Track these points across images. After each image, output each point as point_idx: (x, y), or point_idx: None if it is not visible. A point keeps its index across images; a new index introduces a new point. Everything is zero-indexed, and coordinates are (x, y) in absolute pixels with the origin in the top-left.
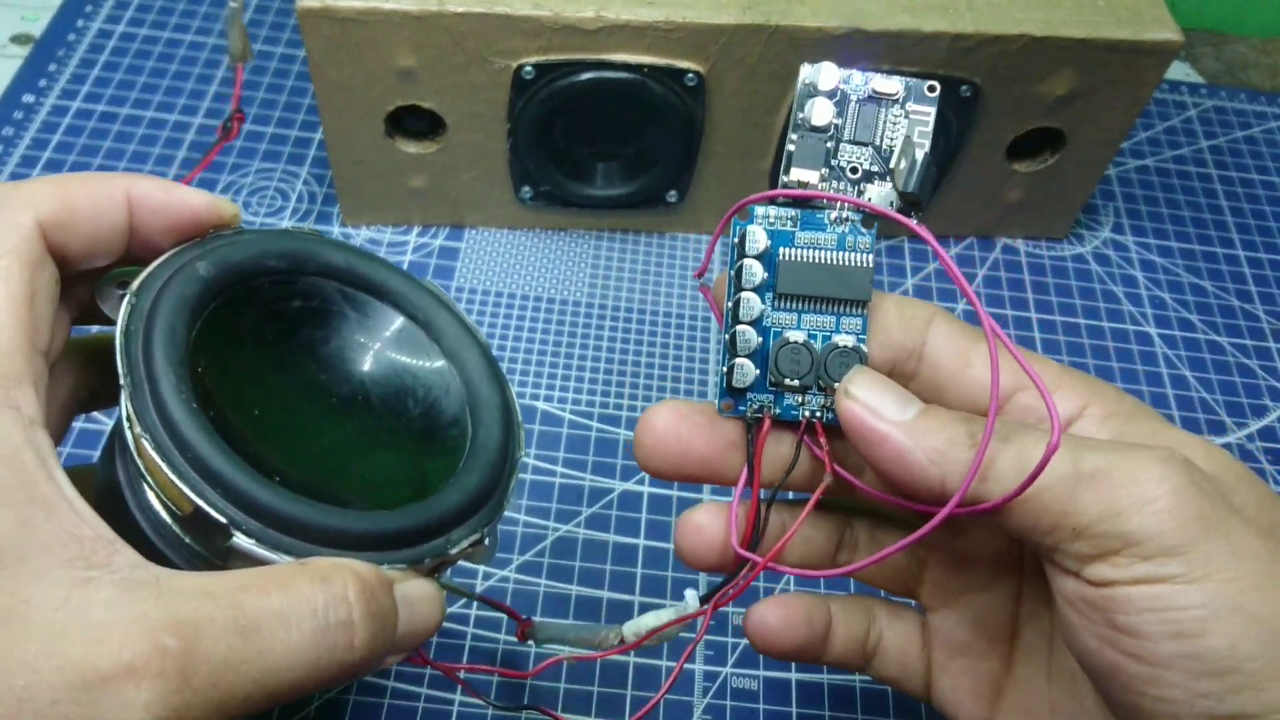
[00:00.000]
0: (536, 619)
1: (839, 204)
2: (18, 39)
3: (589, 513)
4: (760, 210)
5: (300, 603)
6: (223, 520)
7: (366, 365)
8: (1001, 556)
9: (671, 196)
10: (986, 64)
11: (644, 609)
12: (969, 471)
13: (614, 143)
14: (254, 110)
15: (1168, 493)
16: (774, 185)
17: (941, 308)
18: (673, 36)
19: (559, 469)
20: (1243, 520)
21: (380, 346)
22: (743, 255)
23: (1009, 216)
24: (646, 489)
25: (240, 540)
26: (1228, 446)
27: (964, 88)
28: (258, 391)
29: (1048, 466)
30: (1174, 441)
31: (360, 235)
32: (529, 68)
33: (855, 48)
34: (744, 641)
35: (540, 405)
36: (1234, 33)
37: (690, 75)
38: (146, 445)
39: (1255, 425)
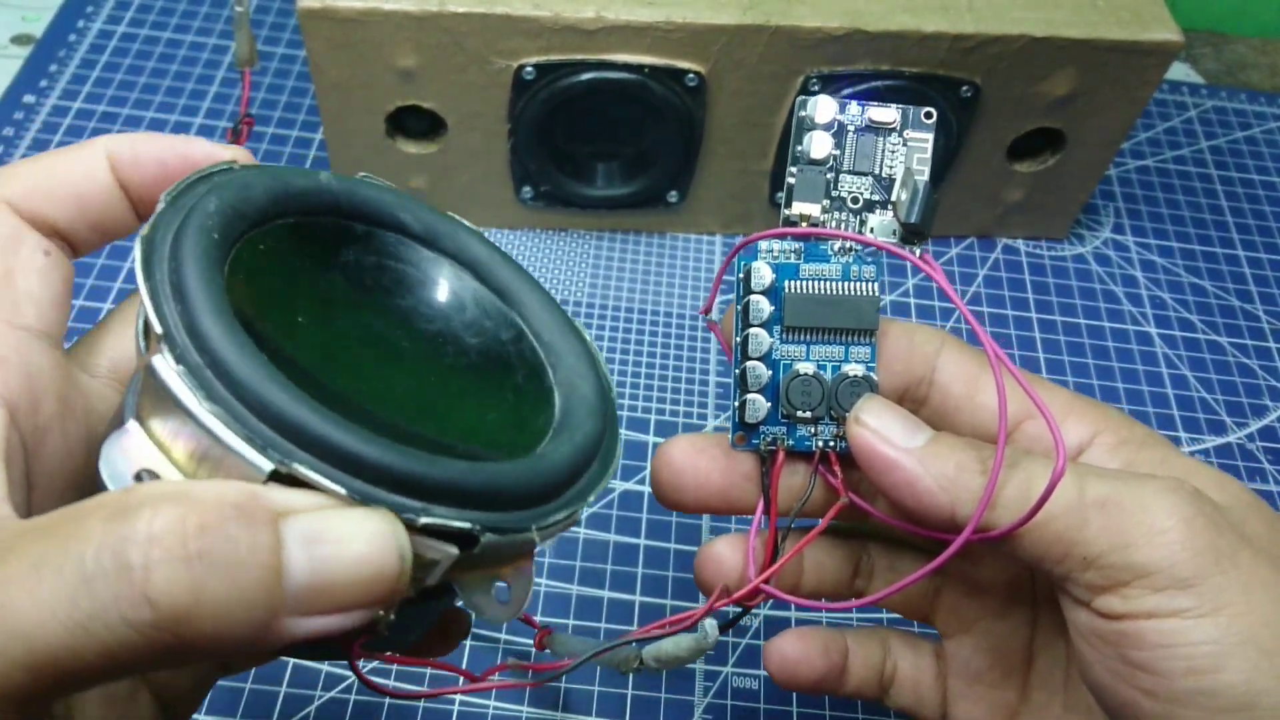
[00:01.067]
0: (555, 631)
1: (843, 238)
2: (18, 39)
3: (589, 512)
4: (764, 245)
5: (68, 544)
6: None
7: (442, 296)
8: (1016, 584)
9: (672, 197)
10: (987, 64)
11: (644, 609)
12: (980, 498)
13: (614, 143)
14: (254, 110)
15: (1178, 523)
16: (775, 188)
17: (950, 334)
18: (673, 37)
19: None
20: (1255, 551)
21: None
22: (749, 291)
23: (1009, 216)
24: (647, 489)
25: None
26: (1228, 447)
27: (964, 88)
28: (314, 324)
29: (1056, 494)
30: (1185, 470)
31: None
32: (529, 68)
33: (855, 48)
34: (744, 641)
35: None
36: (1234, 33)
37: (691, 75)
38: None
39: (1255, 425)
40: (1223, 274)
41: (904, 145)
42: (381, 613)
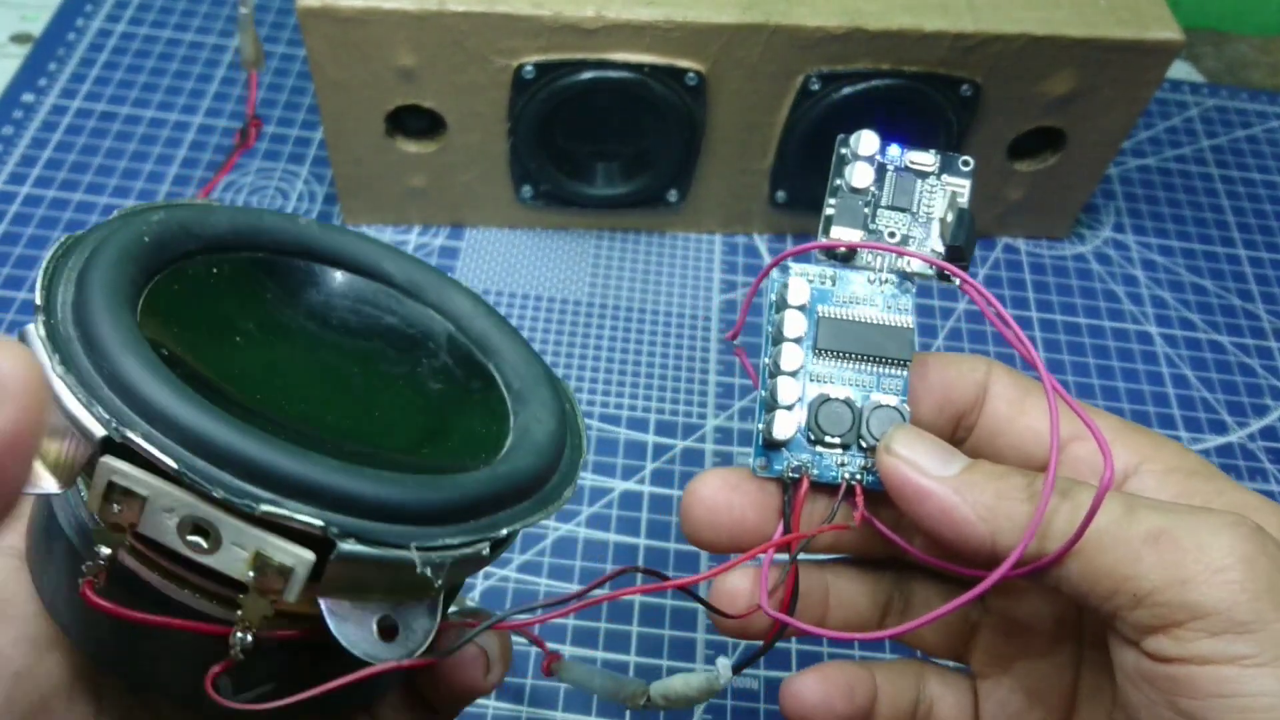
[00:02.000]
0: (565, 656)
1: (878, 265)
2: (17, 38)
3: (589, 512)
4: (798, 267)
5: None
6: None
7: (412, 343)
8: (1060, 621)
9: (672, 196)
10: (987, 63)
11: (643, 609)
12: (1027, 525)
13: (614, 142)
14: (256, 110)
15: (1238, 562)
16: (775, 187)
17: (996, 360)
18: (673, 36)
19: None
20: None
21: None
22: (784, 306)
23: (1010, 216)
24: (647, 488)
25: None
26: (1229, 446)
27: (964, 87)
28: (251, 348)
29: (1105, 523)
30: (1242, 503)
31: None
32: (529, 67)
33: (856, 47)
34: (745, 643)
35: None
36: (1235, 32)
37: (691, 74)
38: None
39: (1256, 424)
40: (1224, 273)
41: (941, 189)
42: (240, 635)
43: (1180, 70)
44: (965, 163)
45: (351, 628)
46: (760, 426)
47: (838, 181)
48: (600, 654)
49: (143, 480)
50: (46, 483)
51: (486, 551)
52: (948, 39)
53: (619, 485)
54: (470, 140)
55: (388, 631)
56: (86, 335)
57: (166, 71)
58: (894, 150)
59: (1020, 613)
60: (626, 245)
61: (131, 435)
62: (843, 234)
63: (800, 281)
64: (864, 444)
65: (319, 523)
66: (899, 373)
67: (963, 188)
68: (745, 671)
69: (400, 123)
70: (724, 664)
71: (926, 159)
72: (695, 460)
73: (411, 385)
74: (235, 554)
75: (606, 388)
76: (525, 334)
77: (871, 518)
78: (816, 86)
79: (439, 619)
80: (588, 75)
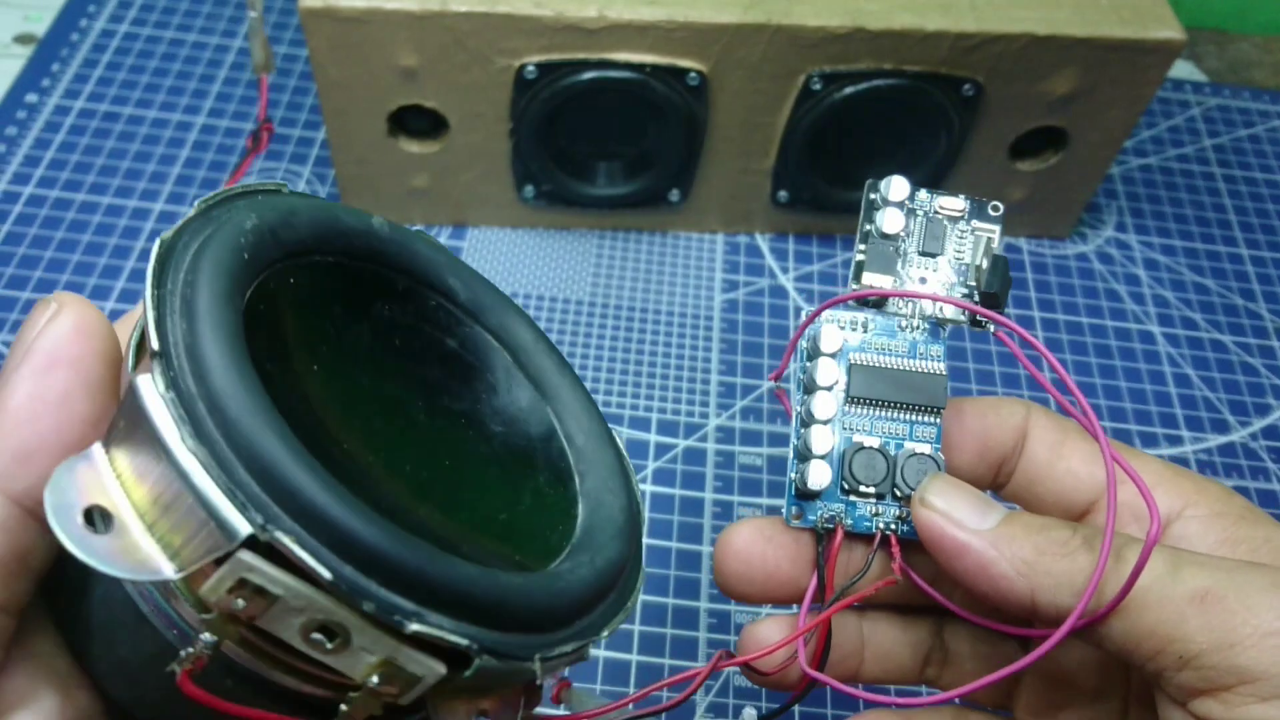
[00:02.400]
0: (575, 684)
1: (909, 311)
2: (21, 39)
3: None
4: (829, 313)
5: None
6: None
7: (473, 374)
8: (1106, 672)
9: (674, 196)
10: (989, 63)
11: (646, 608)
12: (1067, 582)
13: (616, 142)
14: (254, 110)
15: None
16: (776, 187)
17: (1035, 403)
18: (675, 36)
19: None
20: None
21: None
22: (817, 354)
23: (1012, 215)
24: (649, 488)
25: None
26: (1231, 445)
27: (966, 86)
28: (329, 376)
29: (1151, 582)
30: None
31: None
32: (531, 67)
33: (857, 47)
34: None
35: None
36: (1237, 31)
37: (692, 74)
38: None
39: (1259, 424)
40: (1226, 272)
41: (971, 234)
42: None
43: (1182, 69)
44: (995, 208)
45: None
46: (794, 476)
47: (868, 227)
48: (601, 653)
49: (283, 582)
50: (164, 567)
51: (589, 654)
52: (949, 38)
53: None
54: (472, 140)
55: None
56: (210, 394)
57: (170, 72)
58: (923, 195)
59: (1066, 663)
60: (628, 245)
61: (284, 539)
62: (874, 280)
63: (832, 329)
64: (898, 493)
65: (466, 642)
66: (933, 420)
67: (994, 232)
68: None
69: (402, 123)
70: (750, 715)
71: (956, 204)
72: (697, 459)
73: (474, 425)
74: (361, 658)
75: (608, 387)
76: None
77: (909, 570)
78: (818, 86)
79: (521, 712)
80: (589, 75)
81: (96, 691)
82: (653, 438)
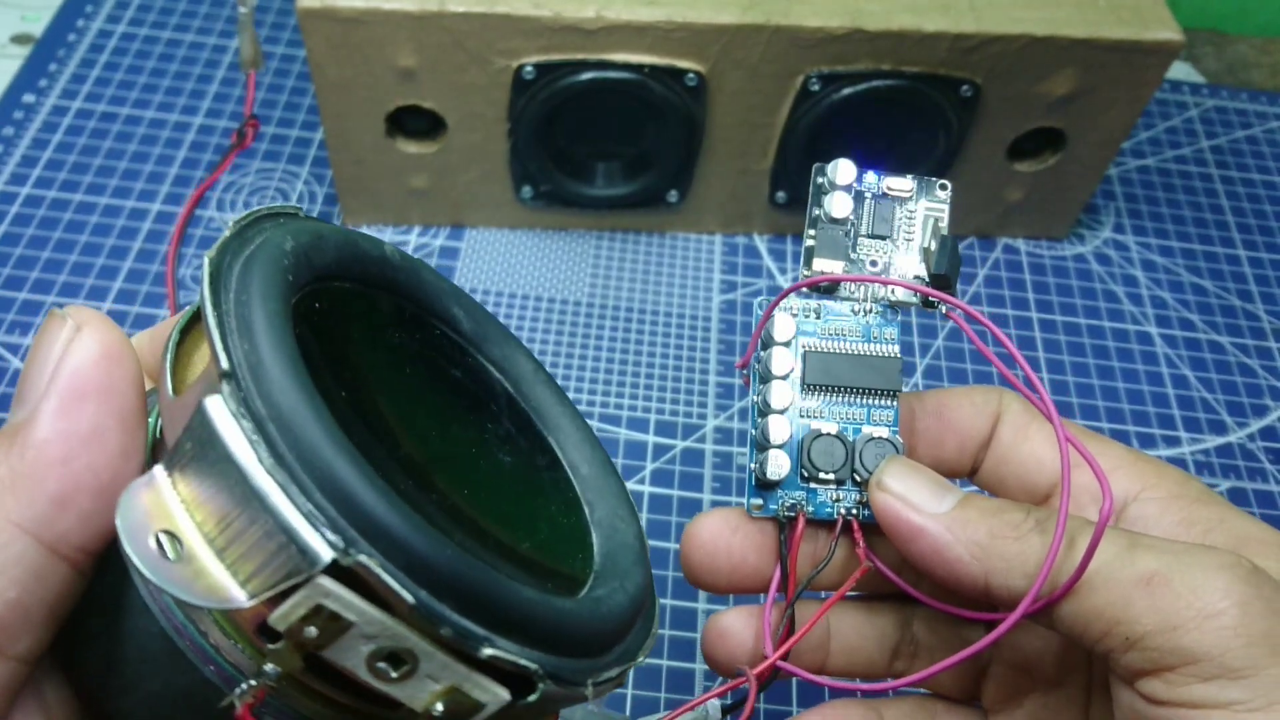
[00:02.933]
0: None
1: (861, 295)
2: (18, 39)
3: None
4: (783, 303)
5: None
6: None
7: (478, 402)
8: (1069, 655)
9: (672, 196)
10: (987, 64)
11: None
12: (1020, 565)
13: (614, 142)
14: (255, 111)
15: (1233, 606)
16: (775, 188)
17: (1008, 390)
18: (673, 36)
19: None
20: None
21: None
22: (769, 344)
23: (1010, 216)
24: (647, 489)
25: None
26: (1229, 446)
27: (965, 87)
28: (357, 400)
29: (1100, 564)
30: (1243, 533)
31: None
32: (529, 68)
33: (856, 47)
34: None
35: None
36: (1235, 32)
37: (691, 75)
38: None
39: (1256, 425)
40: (1223, 274)
41: (922, 213)
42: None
43: (1180, 71)
44: (943, 186)
45: None
46: (753, 466)
47: (816, 212)
48: None
49: (359, 608)
50: (235, 595)
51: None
52: (948, 39)
53: None
54: (470, 141)
55: None
56: (279, 415)
57: (167, 72)
58: (870, 177)
59: (1030, 648)
60: (627, 245)
61: (368, 564)
62: (825, 265)
63: (785, 317)
64: (858, 478)
65: (534, 667)
66: (889, 403)
67: (942, 212)
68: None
69: (400, 123)
70: (715, 705)
71: (904, 184)
72: (695, 460)
73: (485, 455)
74: (426, 686)
75: (606, 388)
76: (525, 335)
77: (873, 557)
78: (817, 87)
79: None
80: (588, 76)
81: None
82: (651, 439)
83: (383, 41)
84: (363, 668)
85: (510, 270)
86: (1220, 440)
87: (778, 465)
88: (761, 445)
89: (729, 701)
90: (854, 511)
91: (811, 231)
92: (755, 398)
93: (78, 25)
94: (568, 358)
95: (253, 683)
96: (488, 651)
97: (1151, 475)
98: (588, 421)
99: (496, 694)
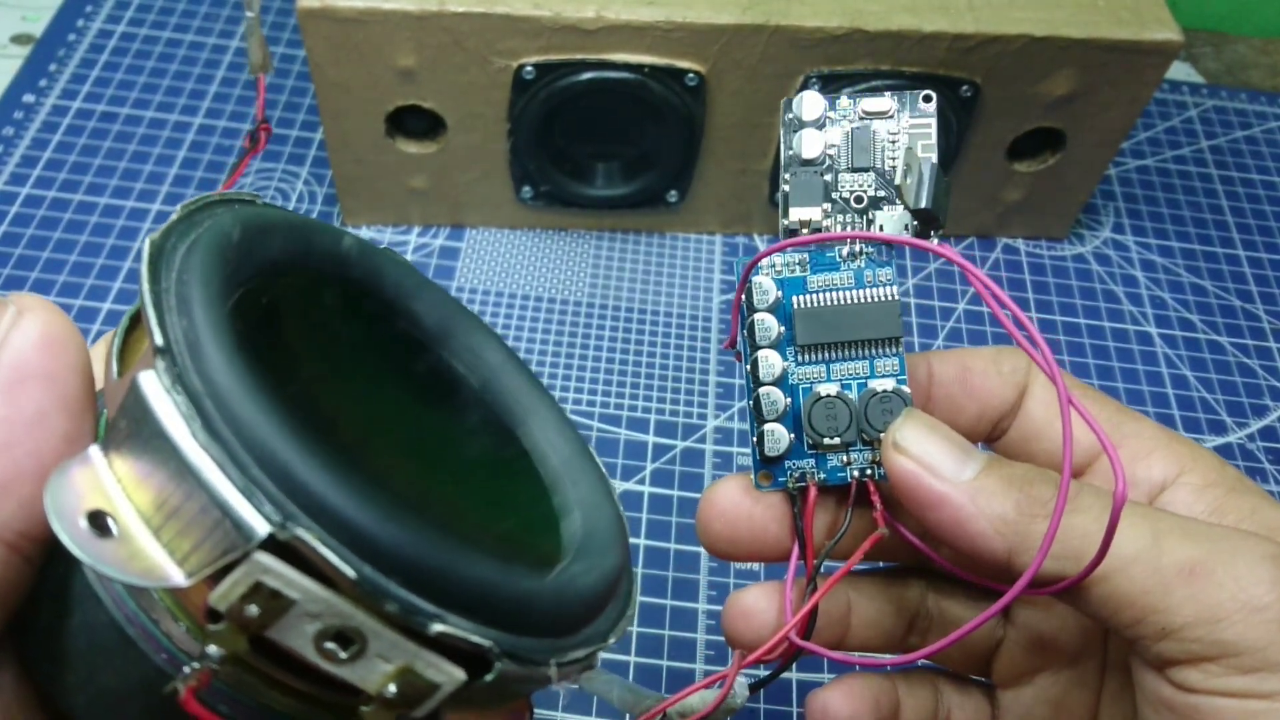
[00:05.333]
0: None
1: (851, 240)
2: (18, 39)
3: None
4: (765, 260)
5: None
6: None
7: (443, 396)
8: (1085, 635)
9: (672, 196)
10: (987, 64)
11: (644, 609)
12: (1040, 548)
13: (614, 143)
14: (252, 110)
15: (1278, 600)
16: (775, 188)
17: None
18: (673, 36)
19: None
20: None
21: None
22: (753, 310)
23: (1009, 216)
24: (646, 489)
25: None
26: (1228, 446)
27: (964, 88)
28: (308, 390)
29: (1135, 550)
30: (1275, 524)
31: (360, 235)
32: (529, 68)
33: (855, 48)
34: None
35: None
36: (1234, 33)
37: (691, 75)
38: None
39: (1256, 425)
40: (1223, 274)
41: (905, 133)
42: None
43: (1180, 71)
44: (927, 98)
45: None
46: (753, 439)
47: (789, 152)
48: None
49: (300, 585)
50: (172, 575)
51: (597, 662)
52: (947, 40)
53: (619, 486)
54: (470, 141)
55: None
56: (216, 391)
57: (167, 72)
58: (844, 102)
59: (1045, 626)
60: (626, 246)
61: (306, 537)
62: (802, 213)
63: (766, 280)
64: (866, 438)
65: (489, 645)
66: (893, 351)
67: (927, 129)
68: (745, 672)
69: (400, 123)
70: (741, 683)
71: (882, 104)
72: (695, 461)
73: (451, 445)
74: (377, 667)
75: (606, 388)
76: (525, 335)
77: (892, 520)
78: (816, 87)
79: (531, 714)
80: (588, 76)
81: None
82: (651, 439)
83: (382, 41)
84: (310, 648)
85: (510, 270)
86: (1220, 440)
87: (775, 441)
88: (759, 419)
89: (755, 680)
90: (869, 472)
91: (786, 175)
92: (746, 366)
93: (78, 25)
94: (567, 358)
95: (196, 665)
96: (437, 628)
97: (1188, 459)
98: (564, 409)
99: (451, 674)
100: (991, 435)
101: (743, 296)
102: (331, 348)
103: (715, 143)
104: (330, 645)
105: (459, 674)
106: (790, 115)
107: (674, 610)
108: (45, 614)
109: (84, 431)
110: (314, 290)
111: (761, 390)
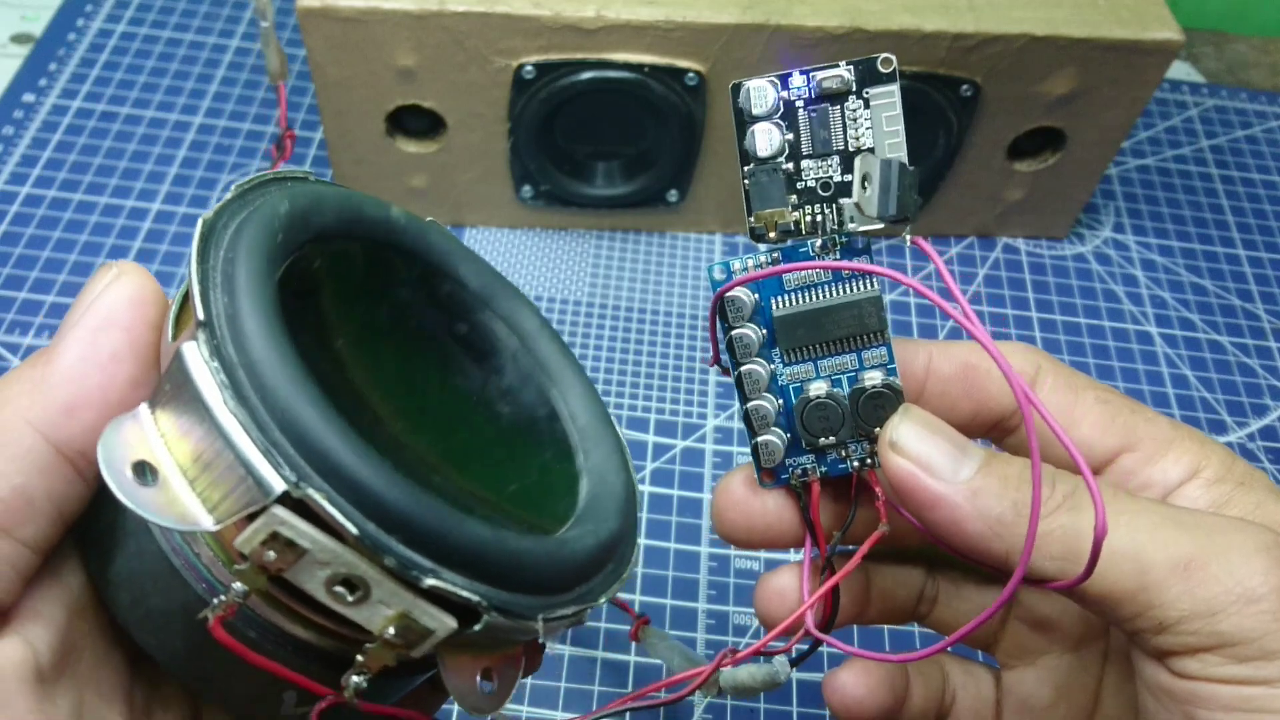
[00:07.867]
0: (652, 624)
1: (821, 234)
2: (18, 38)
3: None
4: (736, 265)
5: None
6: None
7: (483, 356)
8: (1088, 619)
9: (672, 196)
10: (987, 63)
11: (645, 608)
12: (1066, 549)
13: (614, 142)
14: (254, 110)
15: (1272, 591)
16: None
17: (1046, 354)
18: (673, 36)
19: None
20: None
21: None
22: (731, 326)
23: (1010, 216)
24: (647, 488)
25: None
26: (1229, 446)
27: (965, 87)
28: (352, 352)
29: (1132, 547)
30: (1276, 519)
31: None
32: (529, 67)
33: (856, 47)
34: (743, 640)
35: None
36: (1235, 32)
37: (691, 75)
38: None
39: (1256, 425)
40: (1223, 273)
41: (866, 107)
42: (356, 679)
43: (1180, 70)
44: (885, 61)
45: (459, 680)
46: (751, 448)
47: (744, 147)
48: (600, 654)
49: (311, 536)
50: (202, 519)
51: (587, 620)
52: (948, 39)
53: None
54: (470, 140)
55: (486, 682)
56: (249, 362)
57: (167, 72)
58: (798, 80)
59: (1049, 609)
60: (626, 245)
61: (315, 495)
62: (766, 214)
63: (740, 291)
64: (863, 432)
65: (477, 598)
66: (879, 343)
67: (890, 98)
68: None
69: (400, 123)
70: (782, 660)
71: (838, 74)
72: (695, 460)
73: (483, 405)
74: (379, 611)
75: (606, 388)
76: None
77: (896, 507)
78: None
79: (521, 668)
80: (588, 75)
81: (110, 633)
82: (651, 438)
83: (382, 41)
84: (321, 590)
85: (510, 270)
86: (1220, 440)
87: (770, 453)
88: (751, 431)
89: (793, 657)
90: (869, 462)
91: (746, 168)
92: (732, 379)
93: (78, 25)
94: None
95: (223, 598)
96: (429, 582)
97: (1201, 456)
98: (595, 388)
99: (444, 622)
100: (1000, 432)
101: (716, 317)
102: (375, 310)
103: (715, 142)
104: (339, 589)
105: (451, 623)
106: (739, 105)
107: (674, 610)
108: (104, 538)
109: (149, 378)
110: (364, 255)
111: (750, 405)
